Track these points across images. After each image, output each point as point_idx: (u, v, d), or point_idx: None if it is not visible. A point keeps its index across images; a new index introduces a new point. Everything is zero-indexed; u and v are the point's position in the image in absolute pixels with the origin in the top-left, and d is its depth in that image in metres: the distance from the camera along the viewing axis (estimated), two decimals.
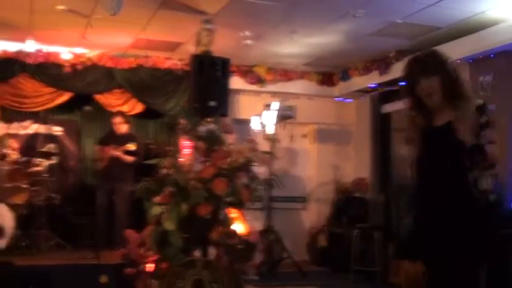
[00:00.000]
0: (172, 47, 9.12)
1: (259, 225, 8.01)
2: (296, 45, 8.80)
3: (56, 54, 9.25)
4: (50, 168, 9.03)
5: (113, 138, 8.88)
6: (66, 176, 9.77)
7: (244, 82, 9.95)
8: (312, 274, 8.60)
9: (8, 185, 8.37)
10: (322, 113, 10.48)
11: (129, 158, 8.69)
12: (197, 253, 5.85)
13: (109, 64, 9.43)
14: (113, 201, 8.66)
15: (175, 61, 9.65)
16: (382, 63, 9.25)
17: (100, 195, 8.60)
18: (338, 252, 8.97)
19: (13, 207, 8.24)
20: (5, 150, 7.47)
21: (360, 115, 10.46)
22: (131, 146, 8.61)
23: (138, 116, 9.93)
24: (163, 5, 7.27)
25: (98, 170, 8.95)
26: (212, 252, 5.90)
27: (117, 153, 8.67)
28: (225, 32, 7.70)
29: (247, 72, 9.92)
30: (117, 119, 8.97)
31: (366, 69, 9.66)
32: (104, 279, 6.58)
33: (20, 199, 8.57)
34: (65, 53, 9.30)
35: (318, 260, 9.35)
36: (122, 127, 8.95)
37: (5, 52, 9.01)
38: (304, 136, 10.52)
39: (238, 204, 6.01)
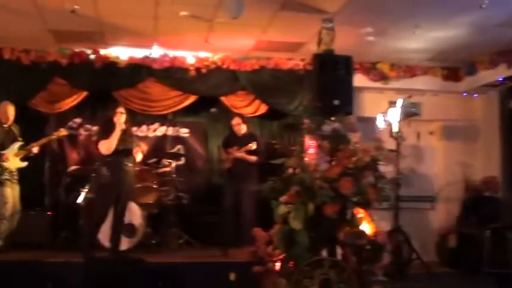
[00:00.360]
0: (294, 47, 9.15)
1: (386, 226, 7.86)
2: (419, 40, 8.57)
3: (181, 59, 9.51)
4: (178, 168, 9.33)
5: (235, 140, 9.03)
6: (194, 176, 10.04)
7: (368, 79, 9.80)
8: (441, 276, 8.32)
9: (139, 185, 8.69)
10: (448, 109, 10.13)
11: (252, 158, 8.81)
12: (324, 253, 5.84)
13: (232, 67, 9.60)
14: (239, 200, 8.81)
15: (297, 61, 9.68)
16: (510, 55, 8.84)
17: (226, 195, 8.76)
18: (469, 253, 8.64)
19: (143, 206, 8.59)
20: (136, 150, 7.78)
21: (488, 110, 10.03)
22: (252, 146, 8.74)
23: (262, 116, 10.08)
24: (284, 6, 7.31)
25: (223, 171, 9.13)
26: (339, 252, 5.87)
27: (240, 154, 8.82)
28: (346, 29, 7.62)
29: (370, 69, 9.77)
30: (235, 121, 9.14)
31: (493, 63, 9.25)
32: (232, 276, 6.69)
33: (150, 199, 8.91)
34: (189, 57, 9.55)
35: (447, 261, 9.02)
36: (241, 128, 9.10)
37: (132, 58, 9.39)
38: (431, 133, 10.22)
39: (365, 204, 5.94)
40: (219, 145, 9.56)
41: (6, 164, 7.49)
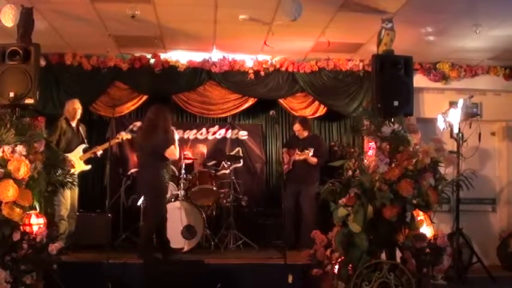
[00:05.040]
0: (353, 48, 9.11)
1: (446, 228, 7.74)
2: (480, 39, 8.39)
3: (240, 62, 9.60)
4: (237, 171, 9.39)
5: (296, 142, 9.02)
6: (253, 178, 10.12)
7: (428, 80, 9.68)
8: (503, 280, 8.13)
9: (198, 187, 8.78)
10: (510, 109, 9.89)
11: (313, 160, 8.78)
12: (383, 256, 5.79)
13: (291, 69, 9.62)
14: (299, 203, 8.81)
15: (356, 62, 9.65)
16: None
17: (286, 197, 8.75)
18: None
19: (203, 208, 8.67)
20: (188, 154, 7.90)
21: None
22: (308, 153, 8.69)
23: (321, 118, 10.11)
24: (343, 7, 7.28)
25: (284, 172, 9.12)
26: (398, 255, 5.80)
27: (301, 157, 8.78)
28: (406, 29, 7.55)
29: (430, 70, 9.64)
30: (296, 127, 9.15)
31: None
32: (290, 279, 6.69)
33: (209, 201, 8.98)
34: (248, 60, 9.62)
35: (509, 265, 8.84)
36: (303, 134, 9.09)
37: (191, 62, 9.53)
38: (493, 134, 10.01)
39: (425, 206, 5.85)
40: (280, 147, 9.56)
41: (71, 169, 7.61)
